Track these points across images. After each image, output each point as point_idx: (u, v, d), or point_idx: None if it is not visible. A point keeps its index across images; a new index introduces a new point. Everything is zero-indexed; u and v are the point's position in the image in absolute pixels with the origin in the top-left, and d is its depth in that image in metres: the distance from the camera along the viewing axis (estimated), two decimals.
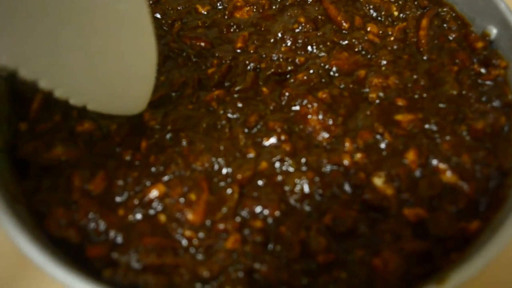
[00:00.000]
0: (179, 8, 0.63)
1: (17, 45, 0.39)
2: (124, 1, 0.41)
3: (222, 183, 0.47)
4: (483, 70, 0.55)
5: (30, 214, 0.45)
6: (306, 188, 0.46)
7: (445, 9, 0.61)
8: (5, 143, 0.50)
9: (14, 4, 0.36)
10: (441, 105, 0.52)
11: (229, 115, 0.52)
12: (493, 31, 0.57)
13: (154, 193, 0.46)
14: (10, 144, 0.50)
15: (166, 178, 0.47)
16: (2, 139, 0.50)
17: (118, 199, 0.47)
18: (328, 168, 0.47)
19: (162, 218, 0.45)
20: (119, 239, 0.44)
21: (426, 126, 0.50)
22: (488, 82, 0.54)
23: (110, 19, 0.42)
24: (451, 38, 0.59)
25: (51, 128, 0.52)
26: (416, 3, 0.62)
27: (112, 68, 0.45)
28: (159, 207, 0.46)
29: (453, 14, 0.61)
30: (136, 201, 0.46)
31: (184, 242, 0.44)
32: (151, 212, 0.46)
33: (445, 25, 0.60)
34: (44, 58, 0.41)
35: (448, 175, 0.47)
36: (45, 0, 0.38)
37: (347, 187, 0.46)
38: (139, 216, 0.45)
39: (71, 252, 0.43)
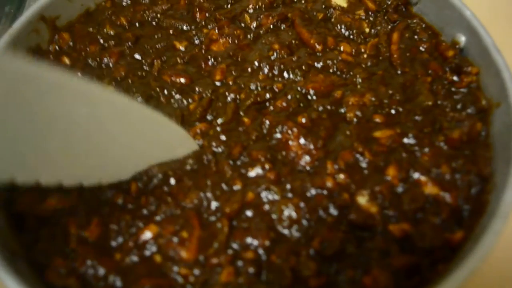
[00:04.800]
0: (157, 46, 0.65)
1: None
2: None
3: (212, 218, 0.49)
4: (455, 78, 0.56)
5: (30, 267, 0.47)
6: (293, 214, 0.48)
7: (414, 21, 0.63)
8: (1, 199, 0.52)
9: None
10: (417, 118, 0.54)
11: (214, 148, 0.53)
12: (462, 39, 0.59)
13: (147, 234, 0.48)
14: (5, 199, 0.52)
15: (158, 218, 0.49)
16: None
17: (113, 243, 0.48)
18: (312, 192, 0.49)
19: (158, 258, 0.47)
20: (118, 283, 0.46)
21: (405, 140, 0.52)
22: (462, 90, 0.56)
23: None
24: (422, 49, 0.60)
25: None
26: (386, 17, 0.64)
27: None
28: (154, 248, 0.47)
29: (423, 25, 0.63)
30: (131, 244, 0.48)
31: (180, 279, 0.45)
32: (147, 253, 0.47)
33: (416, 36, 0.62)
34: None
35: (430, 187, 0.48)
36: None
37: (332, 209, 0.48)
38: (135, 258, 0.47)
39: None
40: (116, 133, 0.48)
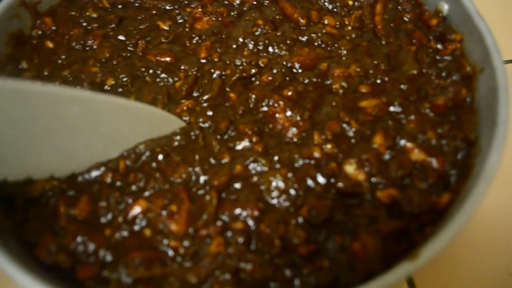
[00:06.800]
0: (141, 27, 0.64)
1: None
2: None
3: (201, 191, 0.49)
4: (440, 46, 0.57)
5: (20, 245, 0.47)
6: (281, 185, 0.48)
7: None
8: None
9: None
10: (402, 86, 0.54)
11: (201, 124, 0.53)
12: (445, 7, 0.59)
13: (136, 209, 0.48)
14: None
15: (146, 193, 0.49)
16: None
17: (103, 219, 0.48)
18: (300, 162, 0.49)
19: (147, 232, 0.47)
20: (108, 258, 0.46)
21: (391, 108, 0.52)
22: (446, 57, 0.56)
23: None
24: (406, 19, 0.60)
25: None
26: None
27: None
28: (143, 222, 0.47)
29: None
30: (120, 219, 0.48)
31: (170, 252, 0.45)
32: (136, 228, 0.47)
33: (399, 7, 0.62)
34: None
35: (416, 153, 0.48)
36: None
37: (320, 178, 0.48)
38: (125, 233, 0.47)
39: (63, 276, 0.44)
40: (102, 126, 0.50)
